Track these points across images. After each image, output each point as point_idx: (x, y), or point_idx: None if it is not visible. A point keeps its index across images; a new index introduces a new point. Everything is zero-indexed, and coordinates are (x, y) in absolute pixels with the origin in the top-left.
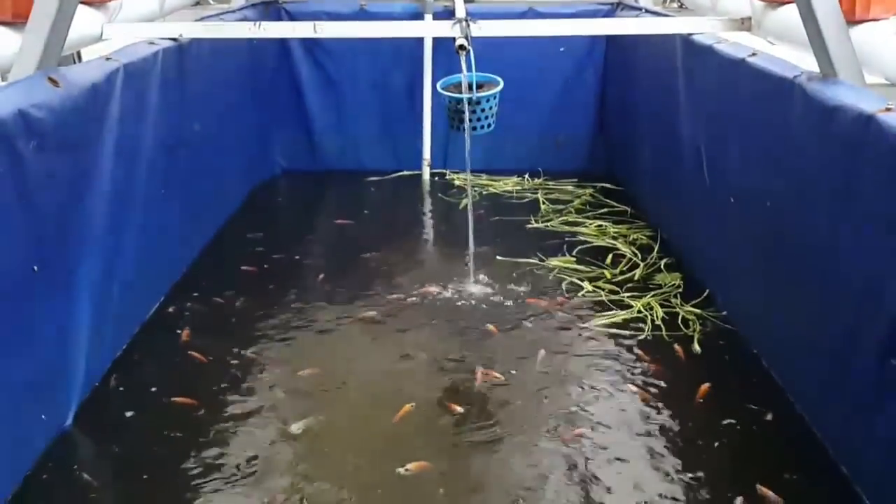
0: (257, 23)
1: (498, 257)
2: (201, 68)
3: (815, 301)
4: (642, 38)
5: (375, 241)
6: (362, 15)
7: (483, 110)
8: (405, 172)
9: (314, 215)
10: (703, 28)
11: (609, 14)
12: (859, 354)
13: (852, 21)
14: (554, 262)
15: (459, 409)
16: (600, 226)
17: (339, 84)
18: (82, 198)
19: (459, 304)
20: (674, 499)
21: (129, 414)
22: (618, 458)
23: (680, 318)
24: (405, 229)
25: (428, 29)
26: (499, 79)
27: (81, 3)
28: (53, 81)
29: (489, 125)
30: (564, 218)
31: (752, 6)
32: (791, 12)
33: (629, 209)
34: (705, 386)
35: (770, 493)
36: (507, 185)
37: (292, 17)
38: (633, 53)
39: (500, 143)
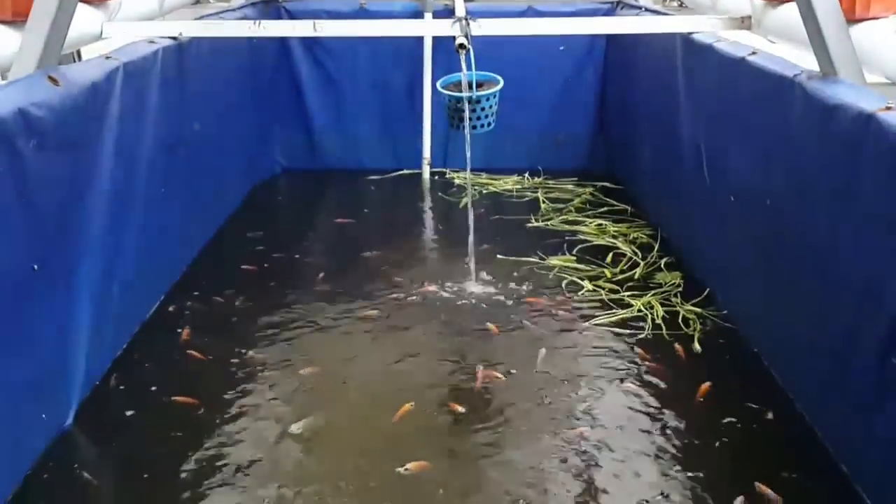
0: (257, 21)
1: (498, 256)
2: (201, 67)
3: (815, 300)
4: (642, 36)
5: (375, 240)
6: (362, 13)
7: (483, 109)
8: (405, 171)
9: (314, 214)
10: (703, 27)
11: (609, 13)
12: (860, 353)
13: (852, 19)
14: (554, 260)
15: (459, 408)
16: (600, 225)
17: (339, 83)
18: (82, 197)
19: (459, 303)
20: (674, 498)
21: (129, 413)
22: (618, 458)
23: (680, 317)
24: (405, 228)
25: (428, 28)
26: (499, 77)
27: (81, 1)
28: (53, 80)
29: (489, 124)
30: (564, 217)
31: (752, 5)
32: (791, 11)
33: (629, 208)
34: (706, 385)
35: (769, 492)
36: (508, 183)
37: (292, 15)
38: (633, 52)
39: (500, 141)
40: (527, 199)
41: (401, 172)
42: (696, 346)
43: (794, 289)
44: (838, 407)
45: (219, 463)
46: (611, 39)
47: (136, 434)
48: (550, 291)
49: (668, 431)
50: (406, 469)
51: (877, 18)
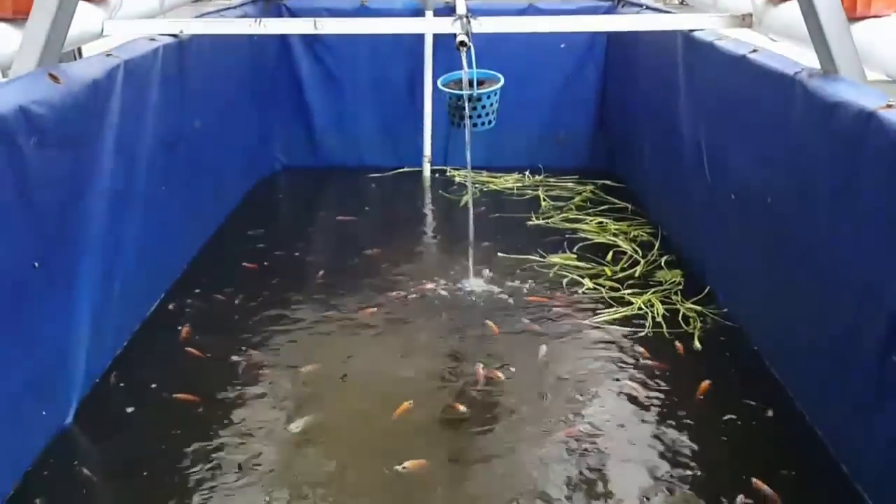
0: (258, 19)
1: (499, 254)
2: (202, 65)
3: (815, 298)
4: (643, 34)
5: (376, 238)
6: (363, 11)
7: (484, 107)
8: (406, 169)
9: (315, 212)
10: (704, 24)
11: (610, 10)
12: (860, 352)
13: (853, 17)
14: (555, 258)
15: (459, 406)
16: (601, 223)
17: (340, 80)
18: (83, 194)
19: (460, 300)
20: (674, 495)
21: (129, 410)
22: (618, 455)
23: (681, 315)
24: (406, 226)
25: (429, 25)
26: (499, 75)
27: None
28: (54, 78)
29: (490, 122)
30: (565, 215)
31: (753, 2)
32: (792, 9)
33: (630, 206)
34: (706, 383)
35: (765, 488)
36: (508, 181)
37: (293, 13)
38: (633, 50)
39: (500, 139)
40: (527, 196)
41: (401, 170)
42: (697, 344)
43: (794, 287)
44: (838, 405)
45: (218, 460)
46: (612, 37)
47: (135, 431)
48: (551, 289)
49: (669, 429)
50: (404, 467)
51: (878, 16)
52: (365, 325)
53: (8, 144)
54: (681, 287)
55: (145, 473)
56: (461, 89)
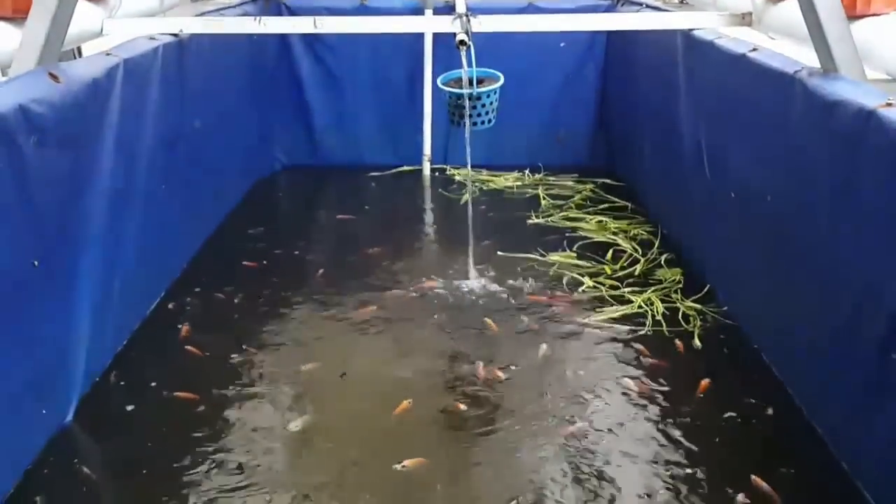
0: (257, 18)
1: (498, 253)
2: (201, 64)
3: (815, 296)
4: (643, 33)
5: (376, 237)
6: (363, 10)
7: (483, 105)
8: (406, 168)
9: (315, 211)
10: (704, 23)
11: (610, 9)
12: (859, 349)
13: (853, 16)
14: (554, 257)
15: (458, 405)
16: (601, 221)
17: (340, 79)
18: (82, 193)
19: (460, 299)
20: (674, 493)
21: (129, 409)
22: (619, 453)
23: (680, 313)
24: (406, 225)
25: (428, 24)
26: (499, 74)
27: None
28: (54, 77)
29: (490, 120)
30: (565, 213)
31: (753, 1)
32: (792, 7)
33: (629, 204)
34: (706, 381)
35: (765, 485)
36: (508, 180)
37: (292, 12)
38: (633, 48)
39: (500, 138)
40: (527, 195)
41: (401, 169)
42: (697, 343)
43: (794, 285)
44: (838, 403)
45: (218, 459)
46: (611, 36)
47: (135, 430)
48: (551, 288)
49: (669, 427)
50: (403, 466)
51: (878, 14)
52: (364, 323)
53: (8, 144)
54: (681, 285)
55: (145, 472)
56: (461, 88)
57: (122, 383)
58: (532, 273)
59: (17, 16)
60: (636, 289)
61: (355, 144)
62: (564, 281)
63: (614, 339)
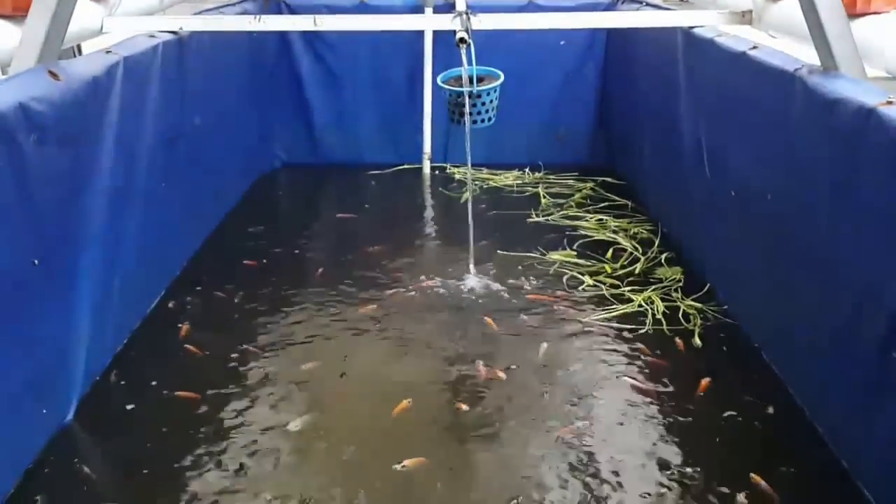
0: (257, 16)
1: (498, 251)
2: (201, 61)
3: (815, 294)
4: (643, 31)
5: (376, 235)
6: (363, 8)
7: (483, 104)
8: (406, 166)
9: (315, 209)
10: (704, 21)
11: (610, 7)
12: (860, 348)
13: (853, 14)
14: (555, 255)
15: (459, 403)
16: (601, 220)
17: (340, 77)
18: (82, 192)
19: (460, 297)
20: (674, 492)
21: (129, 408)
22: (619, 452)
23: (681, 312)
24: (406, 223)
25: (428, 22)
26: (499, 72)
27: None
28: (54, 75)
29: (490, 119)
30: (565, 212)
31: None
32: (792, 5)
33: (630, 203)
34: (706, 380)
35: (765, 484)
36: (508, 178)
37: (292, 10)
38: (633, 47)
39: (500, 136)
40: (527, 194)
41: (401, 167)
42: (697, 341)
43: (794, 284)
44: (839, 402)
45: (218, 458)
46: (611, 34)
47: (136, 429)
48: (551, 286)
49: (669, 426)
50: (403, 465)
51: (878, 13)
52: (364, 322)
53: (7, 142)
54: (681, 284)
55: (145, 471)
56: (461, 86)
57: (123, 383)
58: (532, 272)
59: (17, 14)
60: (636, 287)
61: (355, 143)
62: (565, 280)
63: (614, 338)
